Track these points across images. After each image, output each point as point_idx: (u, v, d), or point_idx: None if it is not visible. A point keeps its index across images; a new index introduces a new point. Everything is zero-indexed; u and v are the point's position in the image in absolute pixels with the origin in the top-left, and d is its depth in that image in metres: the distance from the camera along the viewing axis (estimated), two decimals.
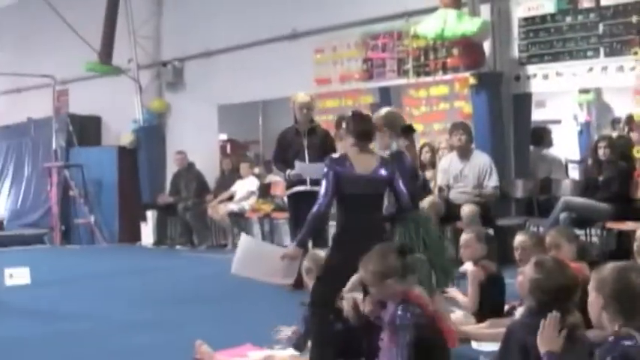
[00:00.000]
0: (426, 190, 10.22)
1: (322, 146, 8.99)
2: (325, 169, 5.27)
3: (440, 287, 5.81)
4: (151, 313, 7.97)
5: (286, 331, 5.89)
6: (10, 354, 6.36)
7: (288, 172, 9.11)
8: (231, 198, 14.13)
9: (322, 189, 5.29)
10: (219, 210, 13.97)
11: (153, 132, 16.34)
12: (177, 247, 14.56)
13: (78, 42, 15.99)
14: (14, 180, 19.10)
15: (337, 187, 5.20)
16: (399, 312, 4.23)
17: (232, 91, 14.58)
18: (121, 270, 12.04)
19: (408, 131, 6.20)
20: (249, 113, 15.02)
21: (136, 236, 15.68)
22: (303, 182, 8.98)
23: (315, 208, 5.31)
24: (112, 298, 9.16)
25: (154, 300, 8.91)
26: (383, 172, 5.27)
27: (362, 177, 5.23)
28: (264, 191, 13.81)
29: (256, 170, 14.09)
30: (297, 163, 9.06)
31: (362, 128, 5.36)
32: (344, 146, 5.78)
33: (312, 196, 8.60)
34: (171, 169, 15.57)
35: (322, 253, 5.50)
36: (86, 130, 17.49)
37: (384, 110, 6.34)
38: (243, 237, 6.05)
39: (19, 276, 10.10)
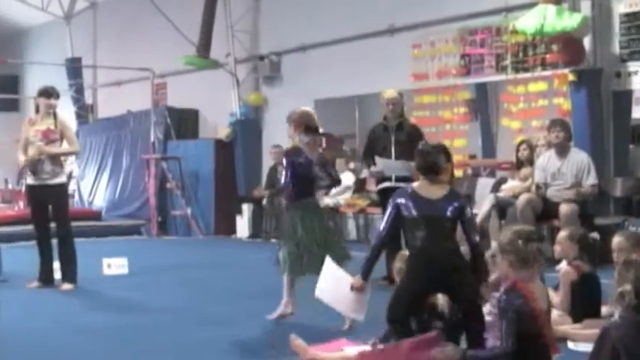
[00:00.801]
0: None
1: (410, 142, 8.96)
2: (390, 202, 5.53)
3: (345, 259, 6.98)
4: (241, 306, 8.18)
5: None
6: (96, 342, 6.63)
7: (371, 168, 9.46)
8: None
9: (384, 217, 5.63)
10: None
11: (249, 125, 16.83)
12: (272, 240, 15.03)
13: (177, 36, 16.62)
14: (113, 171, 19.93)
15: (397, 218, 5.47)
16: (504, 296, 4.52)
17: (328, 85, 14.96)
18: (216, 262, 12.43)
19: (311, 131, 7.10)
20: (345, 108, 15.36)
21: (231, 229, 16.22)
22: (388, 178, 9.18)
23: (375, 241, 5.73)
24: (203, 290, 9.43)
25: (246, 293, 9.13)
26: (450, 204, 5.38)
27: (429, 202, 5.38)
28: (360, 186, 14.11)
29: (352, 165, 14.34)
30: (378, 160, 9.35)
31: (427, 164, 5.50)
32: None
33: None
34: (267, 162, 16.00)
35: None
36: (184, 123, 18.20)
37: (300, 109, 7.46)
38: (328, 261, 6.28)
39: (117, 266, 10.65)
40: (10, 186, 20.38)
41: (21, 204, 18.23)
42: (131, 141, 19.27)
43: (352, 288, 5.85)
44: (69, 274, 9.55)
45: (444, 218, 5.26)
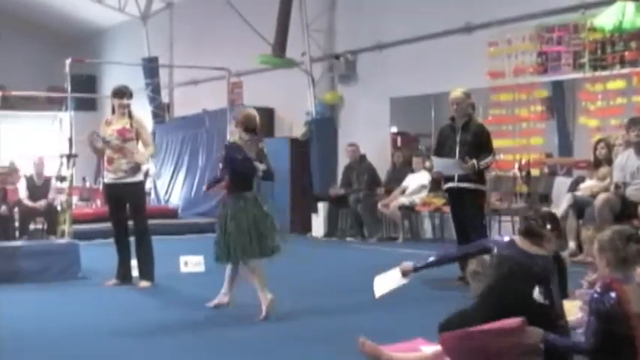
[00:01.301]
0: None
1: (475, 142, 9.10)
2: (481, 241, 5.61)
3: (266, 255, 7.75)
4: (312, 303, 8.29)
5: None
6: (172, 339, 6.76)
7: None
8: (403, 191, 14.62)
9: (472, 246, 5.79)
10: (389, 205, 14.51)
11: (325, 124, 17.12)
12: (348, 238, 15.20)
13: (252, 35, 17.02)
14: (189, 170, 20.39)
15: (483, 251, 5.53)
16: (597, 295, 4.47)
17: (404, 84, 15.14)
18: (290, 260, 12.73)
19: (251, 130, 7.73)
20: (421, 106, 15.50)
21: (307, 227, 16.51)
22: (451, 178, 9.28)
23: (450, 255, 5.97)
24: (277, 288, 9.22)
25: (318, 290, 9.27)
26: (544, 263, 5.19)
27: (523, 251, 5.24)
28: (436, 185, 14.35)
29: (427, 164, 14.28)
30: (434, 159, 9.55)
31: (529, 231, 5.27)
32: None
33: (459, 192, 9.20)
34: (343, 161, 16.27)
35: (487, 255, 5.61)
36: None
37: (245, 110, 8.16)
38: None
39: (193, 264, 10.90)
40: (87, 184, 21.05)
41: (98, 202, 18.89)
42: (207, 140, 19.68)
43: (400, 268, 5.93)
44: (146, 272, 9.76)
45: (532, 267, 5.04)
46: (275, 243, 7.81)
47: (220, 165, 8.03)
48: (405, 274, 5.91)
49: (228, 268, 7.94)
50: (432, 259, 5.87)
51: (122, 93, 9.77)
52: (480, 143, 9.10)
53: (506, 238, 5.36)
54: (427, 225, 14.73)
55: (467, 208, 9.19)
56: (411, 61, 15.16)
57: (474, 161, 8.98)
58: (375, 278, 6.11)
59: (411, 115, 16.02)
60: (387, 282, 6.05)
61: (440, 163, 9.42)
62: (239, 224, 7.59)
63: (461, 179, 9.11)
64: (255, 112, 7.99)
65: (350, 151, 15.65)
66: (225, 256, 7.73)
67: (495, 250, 5.27)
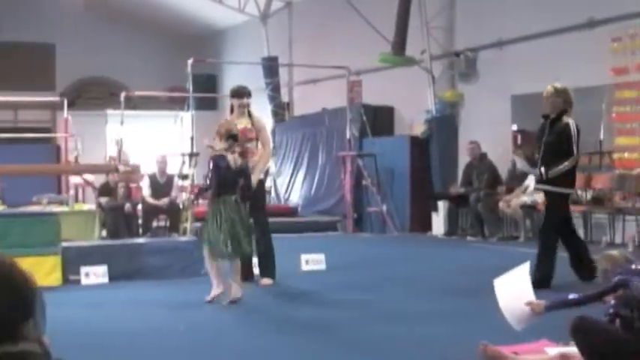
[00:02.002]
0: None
1: (556, 143, 8.95)
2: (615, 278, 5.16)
3: (235, 254, 8.61)
4: (430, 303, 8.40)
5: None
6: (292, 336, 6.94)
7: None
8: (524, 190, 14.56)
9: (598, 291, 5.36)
10: (510, 204, 14.58)
11: (445, 122, 17.27)
12: (468, 238, 15.38)
13: (372, 33, 17.32)
14: (309, 168, 20.90)
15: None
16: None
17: (525, 81, 15.08)
18: (411, 259, 12.79)
19: (231, 138, 8.75)
20: (542, 104, 15.67)
21: (426, 226, 16.77)
22: (539, 178, 9.29)
23: (577, 299, 5.43)
24: (397, 287, 9.64)
25: (437, 290, 9.31)
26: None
27: None
28: None
29: None
30: (513, 156, 9.73)
31: None
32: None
33: (546, 194, 9.25)
34: (463, 159, 16.45)
35: (617, 253, 5.49)
36: (379, 120, 18.84)
37: (222, 122, 9.21)
38: (525, 266, 6.21)
39: (314, 262, 11.13)
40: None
41: None
42: (327, 138, 20.14)
43: (529, 305, 5.61)
44: (268, 270, 9.98)
45: None
46: (247, 248, 8.85)
47: (209, 174, 8.99)
48: (535, 313, 5.59)
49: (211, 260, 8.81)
50: (569, 297, 5.47)
51: (241, 93, 10.07)
52: (560, 145, 8.91)
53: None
54: None
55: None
56: (532, 57, 15.20)
57: (542, 170, 8.96)
58: (495, 282, 6.00)
59: (532, 113, 16.05)
60: (513, 303, 5.78)
61: (519, 162, 9.55)
62: (220, 225, 8.62)
63: (540, 181, 9.14)
64: (234, 125, 9.21)
65: (470, 149, 15.77)
66: (217, 252, 8.68)
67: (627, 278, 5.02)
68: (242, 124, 9.92)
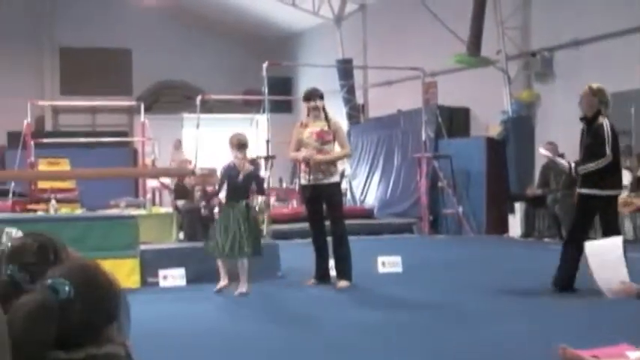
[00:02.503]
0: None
1: (591, 144, 8.75)
2: None
3: (235, 254, 9.42)
4: (507, 305, 8.40)
5: None
6: (368, 338, 6.95)
7: None
8: None
9: None
10: None
11: (521, 123, 17.18)
12: (545, 239, 15.28)
13: (446, 34, 17.34)
14: (384, 170, 20.89)
15: None
16: None
17: (603, 80, 14.37)
18: (486, 261, 12.79)
19: (241, 148, 9.68)
20: (621, 103, 15.41)
21: (503, 228, 16.70)
22: None
23: None
24: (474, 289, 9.54)
25: (513, 291, 9.24)
26: None
27: None
28: (637, 185, 14.24)
29: (627, 162, 14.24)
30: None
31: None
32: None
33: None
34: (540, 160, 16.22)
35: None
36: (454, 121, 18.86)
37: (236, 134, 9.91)
38: (618, 240, 6.26)
39: (391, 264, 11.12)
40: (284, 185, 22.07)
41: (295, 202, 19.81)
42: (402, 140, 20.11)
43: (624, 284, 5.76)
44: (344, 272, 9.96)
45: None
46: (255, 249, 9.62)
47: (220, 179, 10.02)
48: (626, 292, 5.66)
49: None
50: None
51: (310, 96, 10.11)
52: (596, 147, 8.65)
53: None
54: (628, 226, 14.57)
55: None
56: (610, 56, 15.08)
57: (572, 164, 8.86)
58: (586, 249, 6.01)
59: (610, 113, 15.94)
60: (606, 273, 5.89)
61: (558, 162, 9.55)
62: (226, 228, 9.49)
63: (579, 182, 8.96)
64: (244, 134, 10.08)
65: (548, 149, 15.69)
66: (218, 253, 9.58)
67: None
68: (318, 126, 10.01)
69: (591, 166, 8.62)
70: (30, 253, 2.50)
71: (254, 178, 9.96)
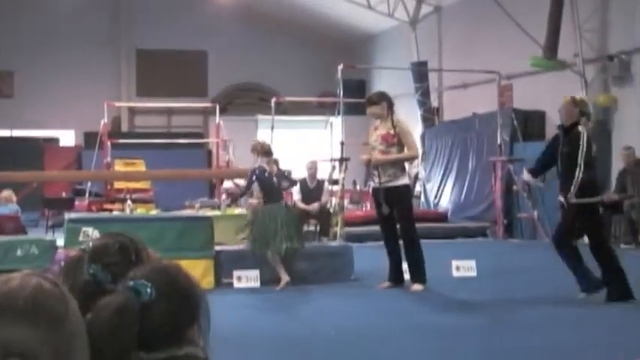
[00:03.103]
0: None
1: (569, 154, 8.93)
2: None
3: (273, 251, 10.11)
4: (580, 311, 8.36)
5: None
6: (441, 343, 7.01)
7: None
8: None
9: None
10: None
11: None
12: (622, 245, 15.00)
13: (523, 37, 17.18)
14: (458, 174, 20.78)
15: None
16: None
17: None
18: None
19: (267, 154, 10.62)
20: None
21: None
22: None
23: None
24: (547, 294, 9.54)
25: (588, 298, 9.03)
26: None
27: None
28: None
29: None
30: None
31: None
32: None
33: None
34: (617, 165, 16.08)
35: None
36: (530, 124, 18.63)
37: (257, 140, 11.11)
38: None
39: (465, 268, 11.07)
40: (358, 187, 22.11)
41: (368, 205, 19.83)
42: (477, 143, 19.99)
43: None
44: (418, 275, 10.00)
45: None
46: (294, 246, 10.29)
47: (247, 181, 10.91)
48: None
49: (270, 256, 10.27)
50: None
51: (367, 101, 10.46)
52: (573, 156, 8.78)
53: None
54: None
55: None
56: None
57: (562, 200, 9.00)
58: None
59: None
60: None
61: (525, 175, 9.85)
62: (267, 226, 10.15)
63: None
64: (267, 142, 11.30)
65: (625, 155, 15.42)
66: (263, 250, 10.23)
67: None
68: (384, 129, 10.08)
69: (572, 184, 8.75)
70: (112, 253, 2.55)
71: (283, 175, 11.27)
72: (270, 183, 10.56)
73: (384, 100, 10.23)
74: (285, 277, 10.18)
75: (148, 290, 2.14)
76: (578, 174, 8.70)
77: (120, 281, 2.27)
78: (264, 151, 10.65)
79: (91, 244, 2.86)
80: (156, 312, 2.14)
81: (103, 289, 2.34)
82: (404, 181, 10.23)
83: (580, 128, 8.90)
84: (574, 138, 8.83)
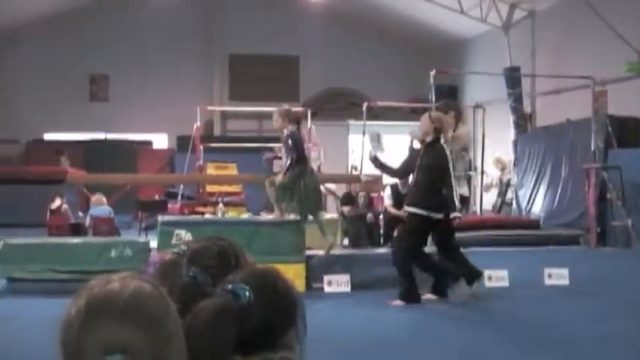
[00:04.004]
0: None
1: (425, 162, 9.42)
2: None
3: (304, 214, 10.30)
4: None
5: None
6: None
7: None
8: None
9: None
10: None
11: None
12: None
13: (618, 42, 16.98)
14: (551, 180, 20.54)
15: None
16: None
17: None
18: None
19: (296, 121, 10.53)
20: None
21: None
22: None
23: None
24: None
25: None
26: None
27: None
28: None
29: None
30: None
31: None
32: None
33: None
34: None
35: None
36: (625, 131, 18.33)
37: (284, 106, 10.71)
38: None
39: (558, 276, 10.87)
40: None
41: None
42: (570, 150, 19.73)
43: None
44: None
45: None
46: (317, 209, 10.53)
47: (294, 146, 10.34)
48: None
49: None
50: None
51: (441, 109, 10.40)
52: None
53: None
54: None
55: None
56: None
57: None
58: None
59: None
60: None
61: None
62: (307, 189, 10.24)
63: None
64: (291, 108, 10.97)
65: None
66: (296, 211, 10.36)
67: None
68: None
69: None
70: (211, 256, 2.58)
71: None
72: (303, 145, 10.72)
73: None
74: (329, 239, 10.71)
75: (247, 294, 2.16)
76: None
77: (219, 284, 2.30)
78: (295, 117, 10.69)
79: (184, 247, 2.90)
80: (253, 316, 2.16)
81: (203, 291, 2.37)
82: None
83: (436, 143, 9.45)
84: (430, 152, 9.42)
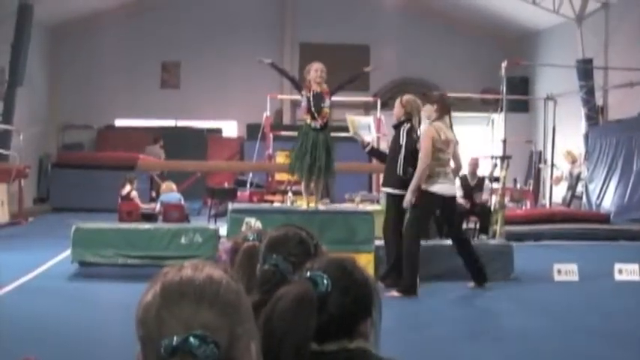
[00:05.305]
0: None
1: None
2: None
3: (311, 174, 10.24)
4: None
5: None
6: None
7: None
8: None
9: None
10: None
11: None
12: None
13: None
14: (623, 174, 20.29)
15: None
16: None
17: None
18: None
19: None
20: None
21: None
22: None
23: None
24: None
25: None
26: None
27: None
28: None
29: None
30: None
31: None
32: None
33: None
34: None
35: None
36: None
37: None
38: None
39: (628, 272, 10.79)
40: (518, 185, 21.82)
41: (528, 203, 19.58)
42: None
43: None
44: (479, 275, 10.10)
45: None
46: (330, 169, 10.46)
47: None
48: None
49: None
50: None
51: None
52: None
53: None
54: None
55: None
56: None
57: None
58: None
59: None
60: None
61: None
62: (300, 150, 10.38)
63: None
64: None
65: None
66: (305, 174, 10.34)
67: None
68: None
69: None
70: (293, 244, 2.66)
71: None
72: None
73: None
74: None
75: (325, 282, 2.21)
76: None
77: (297, 273, 2.36)
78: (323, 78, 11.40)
79: (253, 234, 2.97)
80: (330, 304, 2.21)
81: (285, 279, 2.45)
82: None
83: (405, 125, 10.56)
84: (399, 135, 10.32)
